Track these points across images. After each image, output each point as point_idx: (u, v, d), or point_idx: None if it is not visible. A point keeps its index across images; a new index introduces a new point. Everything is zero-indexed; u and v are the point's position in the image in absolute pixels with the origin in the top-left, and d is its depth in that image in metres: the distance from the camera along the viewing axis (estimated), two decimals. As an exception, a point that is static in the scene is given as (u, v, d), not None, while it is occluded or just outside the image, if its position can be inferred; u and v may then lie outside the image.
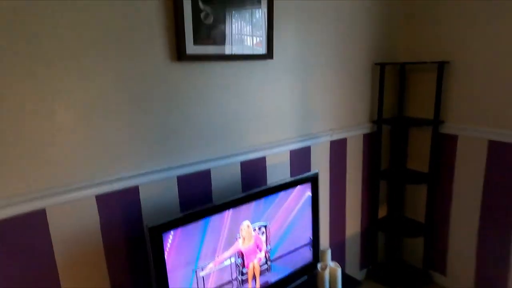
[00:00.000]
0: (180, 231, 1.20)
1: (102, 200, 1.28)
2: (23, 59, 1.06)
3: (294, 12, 1.68)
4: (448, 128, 2.07)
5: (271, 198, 1.45)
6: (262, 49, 1.58)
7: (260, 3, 1.53)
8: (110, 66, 1.22)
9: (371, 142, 2.21)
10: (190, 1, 1.32)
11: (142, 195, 1.38)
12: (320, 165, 1.97)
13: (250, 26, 1.53)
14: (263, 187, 1.43)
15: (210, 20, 1.40)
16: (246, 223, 1.39)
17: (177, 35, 1.33)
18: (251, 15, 1.52)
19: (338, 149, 2.04)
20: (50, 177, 1.16)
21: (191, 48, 1.37)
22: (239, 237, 1.38)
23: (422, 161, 2.23)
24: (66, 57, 1.13)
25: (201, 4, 1.36)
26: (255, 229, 1.43)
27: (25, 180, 1.12)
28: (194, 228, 1.24)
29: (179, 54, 1.35)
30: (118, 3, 1.20)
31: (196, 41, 1.38)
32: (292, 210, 1.55)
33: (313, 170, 1.65)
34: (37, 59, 1.09)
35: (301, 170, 1.88)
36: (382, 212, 2.38)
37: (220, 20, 1.42)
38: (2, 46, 1.03)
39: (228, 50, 1.47)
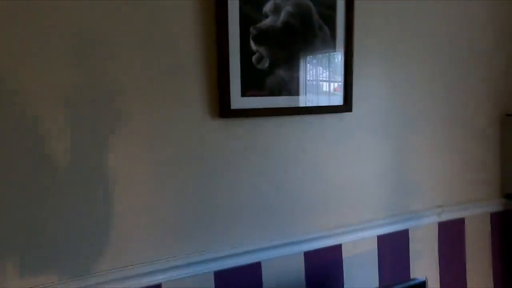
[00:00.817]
0: None
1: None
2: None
3: (383, 49, 1.25)
4: None
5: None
6: (338, 98, 1.16)
7: (335, 41, 1.14)
8: (132, 125, 0.94)
9: (504, 225, 1.52)
10: (238, 40, 1.01)
11: (165, 297, 1.01)
12: (424, 258, 1.37)
13: (322, 71, 1.15)
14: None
15: (265, 64, 1.06)
16: None
17: (220, 84, 1.01)
18: (326, 59, 1.14)
19: (451, 234, 1.43)
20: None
21: (238, 100, 1.03)
22: None
23: None
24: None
25: (253, 44, 1.03)
26: None
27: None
28: None
29: (222, 109, 1.01)
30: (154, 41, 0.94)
31: (245, 92, 1.04)
32: None
33: (417, 278, 1.09)
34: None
35: (394, 265, 1.32)
36: (526, 333, 1.58)
37: (279, 64, 1.07)
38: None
39: (288, 102, 1.10)
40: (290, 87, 1.10)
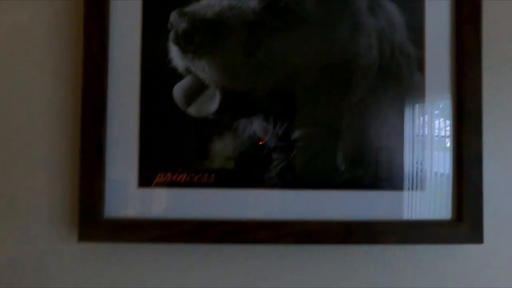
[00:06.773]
0: None
1: None
2: None
3: None
4: None
5: None
6: (440, 203, 0.39)
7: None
8: None
9: None
10: (139, 41, 0.40)
11: None
12: None
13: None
14: None
15: (210, 106, 0.40)
16: None
17: (82, 154, 0.39)
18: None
19: None
20: None
21: (128, 198, 0.39)
22: None
23: None
24: None
25: (176, 55, 0.40)
26: None
27: None
28: None
29: (85, 220, 0.38)
30: None
31: (151, 175, 0.39)
32: None
33: None
34: None
35: None
36: None
37: (250, 105, 0.41)
38: None
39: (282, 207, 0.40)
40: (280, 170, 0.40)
